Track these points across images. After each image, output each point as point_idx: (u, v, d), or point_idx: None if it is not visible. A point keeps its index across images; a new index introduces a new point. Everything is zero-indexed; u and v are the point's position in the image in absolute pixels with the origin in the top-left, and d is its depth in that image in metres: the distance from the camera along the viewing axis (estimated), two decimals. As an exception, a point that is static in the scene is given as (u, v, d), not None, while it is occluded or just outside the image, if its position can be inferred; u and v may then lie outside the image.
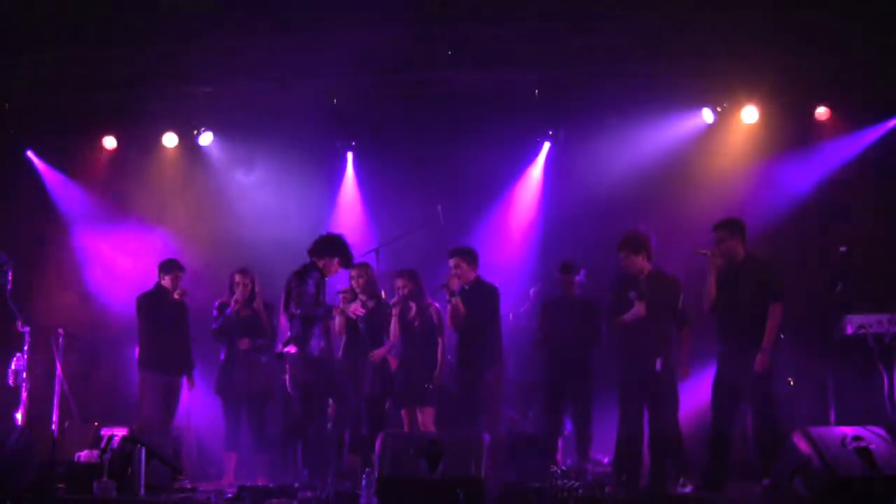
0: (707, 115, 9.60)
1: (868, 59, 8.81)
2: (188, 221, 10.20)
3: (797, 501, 5.99)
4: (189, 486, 7.42)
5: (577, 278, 8.07)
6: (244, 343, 8.23)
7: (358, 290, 7.98)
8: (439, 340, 7.87)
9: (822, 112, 9.34)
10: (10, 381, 8.14)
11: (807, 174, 9.43)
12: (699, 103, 9.56)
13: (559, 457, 8.31)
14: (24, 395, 7.80)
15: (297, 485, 6.94)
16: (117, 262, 10.06)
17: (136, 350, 8.47)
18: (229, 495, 6.73)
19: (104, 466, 6.72)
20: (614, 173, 9.61)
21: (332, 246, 7.50)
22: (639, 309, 7.08)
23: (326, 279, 7.50)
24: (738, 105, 9.42)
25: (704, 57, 9.01)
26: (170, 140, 10.36)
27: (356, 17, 8.98)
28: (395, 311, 7.90)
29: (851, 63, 8.92)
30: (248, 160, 10.36)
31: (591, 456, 8.16)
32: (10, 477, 6.58)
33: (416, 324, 7.89)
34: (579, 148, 9.96)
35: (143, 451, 6.77)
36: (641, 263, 7.24)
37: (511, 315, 9.08)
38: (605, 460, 8.28)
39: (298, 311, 7.29)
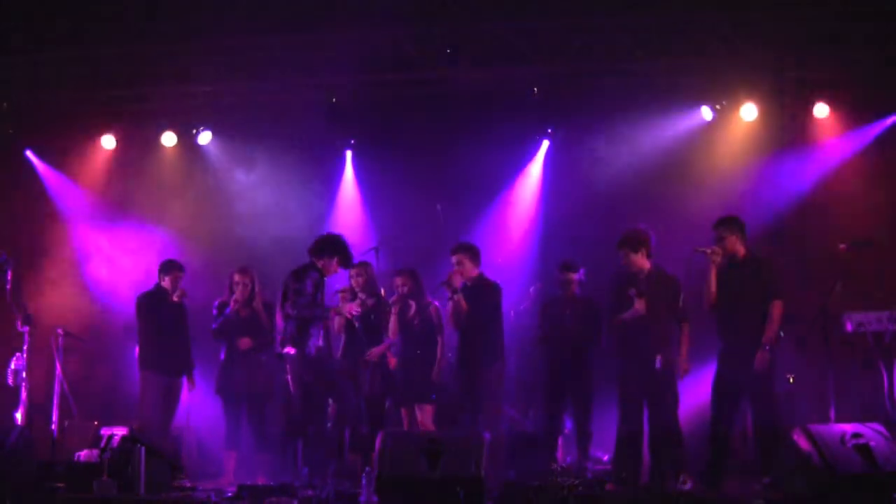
0: (706, 113, 9.59)
1: (867, 56, 8.82)
2: (188, 221, 10.19)
3: (797, 499, 6.00)
4: (189, 485, 7.43)
5: (577, 277, 8.07)
6: (244, 343, 8.23)
7: (357, 290, 7.98)
8: (438, 339, 7.87)
9: (821, 109, 9.33)
10: (10, 381, 8.15)
11: (806, 172, 9.43)
12: (698, 101, 9.55)
13: (559, 455, 8.32)
14: (23, 394, 7.80)
15: (297, 484, 6.93)
16: (117, 262, 10.05)
17: (136, 350, 8.47)
18: (229, 494, 6.73)
19: (104, 466, 6.72)
20: (613, 171, 9.61)
21: (331, 246, 7.50)
22: (638, 307, 7.08)
23: (326, 279, 7.50)
24: (737, 103, 9.41)
25: (703, 55, 9.01)
26: (169, 139, 10.36)
27: (356, 17, 8.99)
28: (394, 310, 7.90)
29: (851, 61, 8.93)
30: (247, 159, 10.35)
31: (590, 454, 8.17)
32: (9, 476, 6.58)
33: (415, 322, 7.89)
34: (579, 146, 9.96)
35: (143, 450, 6.77)
36: (641, 262, 7.24)
37: (512, 313, 9.08)
38: (605, 458, 8.29)
39: (293, 312, 7.28)
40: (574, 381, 7.98)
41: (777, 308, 6.95)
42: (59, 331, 8.51)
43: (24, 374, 7.87)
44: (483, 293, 7.65)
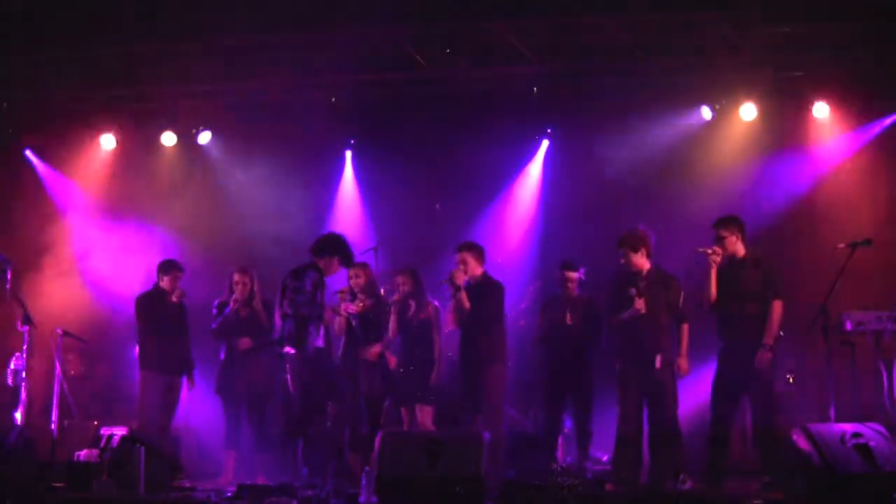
0: (705, 113, 9.60)
1: (867, 56, 8.82)
2: (187, 220, 10.18)
3: (797, 499, 6.00)
4: (188, 485, 7.44)
5: (577, 276, 8.07)
6: (244, 342, 8.23)
7: (357, 291, 7.98)
8: (437, 339, 7.87)
9: (820, 109, 9.33)
10: (10, 381, 8.15)
11: (805, 172, 9.43)
12: (698, 101, 9.56)
13: (559, 455, 8.32)
14: (23, 394, 7.80)
15: (296, 484, 6.93)
16: (116, 261, 10.05)
17: (136, 350, 8.46)
18: (229, 494, 6.73)
19: (104, 466, 6.73)
20: (613, 171, 9.61)
21: (332, 245, 7.49)
22: (638, 307, 7.08)
23: (326, 279, 7.48)
24: (737, 102, 9.42)
25: (703, 55, 9.02)
26: (169, 139, 10.36)
27: (356, 17, 8.99)
28: (393, 309, 7.90)
29: (851, 61, 8.93)
30: (246, 159, 10.35)
31: (590, 454, 8.17)
32: (9, 476, 6.58)
33: (415, 322, 7.89)
34: (578, 146, 9.96)
35: (143, 450, 6.77)
36: (641, 261, 7.24)
37: (511, 312, 9.07)
38: (605, 458, 8.29)
39: (290, 311, 7.27)
40: (574, 381, 7.98)
41: (777, 307, 6.95)
42: (59, 330, 8.50)
43: (23, 374, 7.87)
44: (486, 292, 7.60)
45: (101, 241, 10.19)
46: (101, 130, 10.33)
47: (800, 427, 6.03)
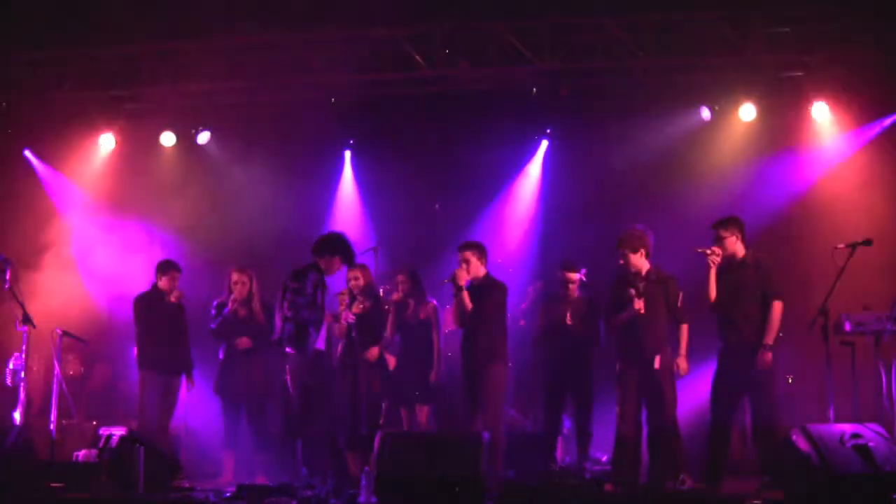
0: (705, 113, 9.59)
1: (867, 56, 8.82)
2: (187, 220, 10.18)
3: (796, 499, 5.99)
4: (188, 485, 7.43)
5: (578, 277, 8.07)
6: (243, 342, 8.23)
7: (356, 292, 7.96)
8: (436, 339, 7.85)
9: (819, 110, 9.33)
10: (8, 381, 8.15)
11: (805, 172, 9.43)
12: (697, 101, 9.56)
13: (559, 455, 8.32)
14: (22, 394, 7.79)
15: (296, 484, 6.93)
16: (116, 262, 10.04)
17: (135, 350, 8.46)
18: (228, 494, 6.73)
19: (103, 466, 6.73)
20: (612, 171, 9.62)
21: (332, 244, 7.47)
22: (637, 307, 7.07)
23: (327, 278, 7.46)
24: (736, 103, 9.41)
25: (703, 55, 9.01)
26: (168, 139, 10.36)
27: (356, 17, 8.99)
28: (392, 309, 7.89)
29: (850, 61, 8.93)
30: (246, 159, 10.35)
31: (590, 454, 8.16)
32: (8, 476, 6.58)
33: (413, 322, 7.88)
34: (578, 146, 9.97)
35: (142, 450, 6.76)
36: (640, 261, 7.23)
37: (511, 313, 9.07)
38: (605, 458, 8.28)
39: (290, 314, 7.25)
40: (574, 381, 7.98)
41: (777, 308, 6.95)
42: (58, 331, 8.49)
43: (22, 374, 7.86)
44: (489, 292, 7.55)
45: (100, 241, 10.18)
46: (100, 130, 10.33)
47: (799, 427, 6.03)
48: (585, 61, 9.24)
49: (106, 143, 10.39)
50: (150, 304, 8.36)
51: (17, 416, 7.81)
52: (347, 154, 10.69)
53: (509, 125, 9.89)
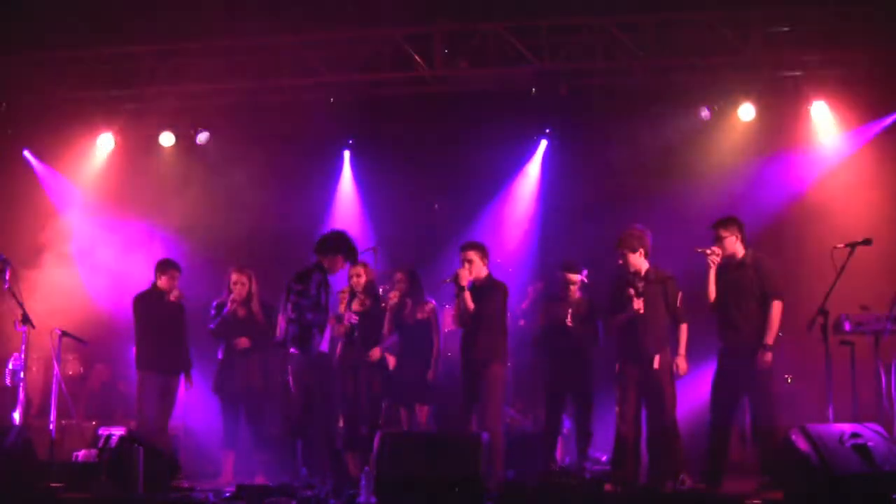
0: (704, 113, 9.59)
1: (866, 56, 8.82)
2: (186, 220, 10.18)
3: (795, 499, 5.99)
4: (187, 485, 7.43)
5: (578, 277, 8.06)
6: (242, 342, 8.23)
7: (358, 290, 7.97)
8: (434, 338, 7.85)
9: (819, 109, 9.33)
10: (8, 381, 8.15)
11: (804, 172, 9.43)
12: (696, 101, 9.55)
13: (558, 455, 8.31)
14: (21, 394, 7.79)
15: (296, 484, 6.93)
16: (115, 261, 10.03)
17: (134, 350, 8.46)
18: (227, 494, 6.73)
19: (102, 466, 6.72)
20: (611, 171, 9.62)
21: (334, 243, 7.45)
22: (637, 307, 7.08)
23: (330, 277, 7.44)
24: (735, 103, 9.41)
25: (703, 55, 9.01)
26: (167, 139, 10.35)
27: (355, 17, 9.00)
28: (389, 308, 7.89)
29: (850, 61, 8.93)
30: (245, 159, 10.34)
31: (590, 454, 8.16)
32: (8, 476, 6.57)
33: (411, 321, 7.88)
34: (577, 146, 9.97)
35: (141, 450, 6.76)
36: (639, 261, 7.24)
37: (511, 313, 9.07)
38: (604, 458, 8.28)
39: (294, 316, 7.24)
40: (574, 381, 7.97)
41: (776, 308, 6.95)
42: (58, 331, 8.48)
43: (21, 374, 7.86)
44: (490, 293, 7.54)
45: (100, 241, 10.18)
46: (100, 130, 10.33)
47: (799, 427, 6.03)
48: (585, 61, 9.24)
49: (105, 143, 10.39)
50: (149, 304, 8.36)
51: (16, 416, 7.82)
52: (347, 154, 10.69)
53: (509, 125, 9.89)
